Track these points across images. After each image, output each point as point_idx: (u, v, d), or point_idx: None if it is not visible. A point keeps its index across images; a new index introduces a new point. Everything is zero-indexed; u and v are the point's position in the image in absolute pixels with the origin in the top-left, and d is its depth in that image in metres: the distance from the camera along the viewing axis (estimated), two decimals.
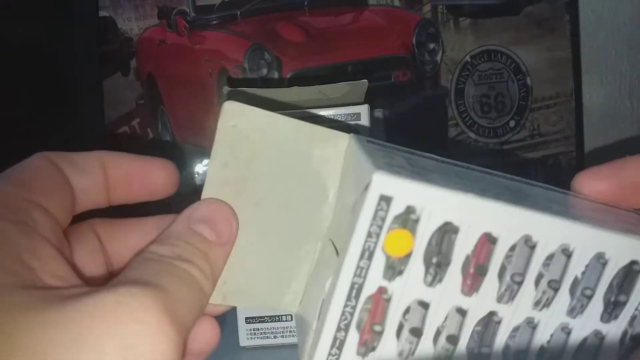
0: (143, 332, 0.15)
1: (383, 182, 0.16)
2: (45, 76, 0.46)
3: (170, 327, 0.16)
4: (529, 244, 0.18)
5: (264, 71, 0.47)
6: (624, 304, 0.18)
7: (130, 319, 0.15)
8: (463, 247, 0.17)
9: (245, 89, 0.32)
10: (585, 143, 0.52)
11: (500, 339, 0.18)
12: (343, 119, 0.30)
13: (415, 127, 0.49)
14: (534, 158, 0.51)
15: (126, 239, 0.22)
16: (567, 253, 0.18)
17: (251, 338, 0.33)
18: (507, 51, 0.50)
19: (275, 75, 0.47)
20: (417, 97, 0.49)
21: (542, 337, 0.18)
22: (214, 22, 0.47)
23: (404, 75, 0.49)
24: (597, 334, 0.19)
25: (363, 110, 0.29)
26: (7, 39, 0.45)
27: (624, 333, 0.19)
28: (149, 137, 0.47)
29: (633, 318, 0.19)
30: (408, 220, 0.17)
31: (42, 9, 0.45)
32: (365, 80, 0.31)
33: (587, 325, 0.19)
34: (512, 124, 0.51)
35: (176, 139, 0.47)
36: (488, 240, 0.17)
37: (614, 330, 0.19)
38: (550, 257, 0.18)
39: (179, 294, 0.17)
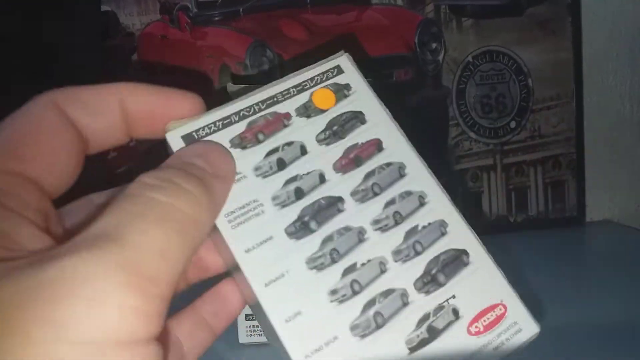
0: (102, 307, 0.13)
1: (349, 61, 0.22)
2: (46, 70, 0.45)
3: (132, 295, 0.13)
4: (401, 172, 0.20)
5: (266, 68, 0.47)
6: (440, 286, 0.19)
7: (86, 297, 0.13)
8: (359, 136, 0.21)
9: (247, 86, 0.32)
10: (585, 145, 0.52)
11: (332, 224, 0.19)
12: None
13: (417, 126, 0.49)
14: (534, 159, 0.51)
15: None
16: (421, 201, 0.20)
17: (250, 335, 0.34)
18: (509, 52, 0.50)
19: (277, 72, 0.47)
20: (419, 96, 0.49)
21: (363, 254, 0.19)
22: (216, 18, 0.47)
23: (406, 74, 0.49)
24: (404, 295, 0.19)
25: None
26: (8, 34, 0.45)
27: (425, 316, 0.19)
28: None
29: (440, 308, 0.19)
30: (341, 90, 0.21)
31: (45, 3, 0.45)
32: (369, 79, 0.30)
33: (401, 277, 0.19)
34: (513, 124, 0.51)
35: None
36: (376, 146, 0.21)
37: (419, 304, 0.19)
38: (408, 194, 0.20)
39: (152, 242, 0.14)
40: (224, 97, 0.22)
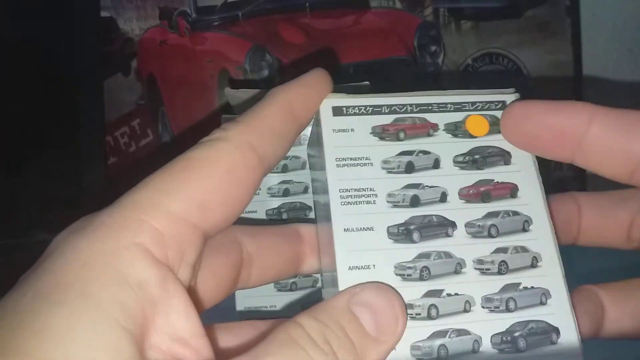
0: None
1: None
2: (46, 76, 0.45)
3: None
4: (525, 227, 0.20)
5: (265, 72, 0.47)
6: (517, 351, 0.18)
7: None
8: (497, 174, 0.20)
9: (248, 90, 0.31)
10: None
11: (434, 244, 0.19)
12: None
13: None
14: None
15: (266, 242, 0.21)
16: (534, 263, 0.19)
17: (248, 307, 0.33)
18: (508, 54, 0.50)
19: (277, 77, 0.47)
20: None
21: (453, 286, 0.19)
22: (216, 23, 0.47)
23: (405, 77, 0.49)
24: (476, 342, 0.18)
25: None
26: (8, 39, 0.45)
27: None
28: (149, 138, 0.47)
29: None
30: (497, 125, 0.21)
31: (44, 9, 0.45)
32: (367, 82, 0.31)
33: (481, 323, 0.18)
34: None
35: (176, 139, 0.47)
36: (511, 191, 0.20)
37: (487, 357, 0.18)
38: (523, 250, 0.19)
39: None
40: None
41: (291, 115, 0.19)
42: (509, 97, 0.21)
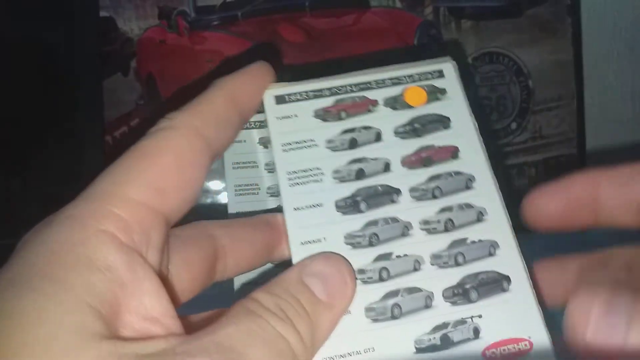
0: None
1: (453, 68, 0.22)
2: (45, 76, 0.45)
3: None
4: (468, 184, 0.20)
5: None
6: (469, 302, 0.19)
7: None
8: (438, 139, 0.21)
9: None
10: (587, 145, 0.52)
11: (381, 211, 0.20)
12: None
13: None
14: (535, 160, 0.51)
15: (239, 235, 0.22)
16: (479, 217, 0.20)
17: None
18: (508, 53, 0.50)
19: None
20: None
21: (401, 248, 0.19)
22: (215, 22, 0.47)
23: None
24: (428, 298, 0.19)
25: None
26: (7, 39, 0.45)
27: (444, 325, 0.18)
28: None
29: (461, 322, 0.18)
30: (434, 93, 0.22)
31: (43, 8, 0.45)
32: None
33: (432, 280, 0.19)
34: (513, 126, 0.50)
35: None
36: (452, 153, 0.21)
37: (441, 311, 0.18)
38: (468, 207, 0.20)
39: None
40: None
41: (233, 101, 0.20)
42: (445, 65, 0.22)
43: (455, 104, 0.22)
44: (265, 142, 0.27)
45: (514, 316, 0.19)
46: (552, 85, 0.51)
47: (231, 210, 0.28)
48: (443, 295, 0.19)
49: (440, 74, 0.22)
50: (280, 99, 0.21)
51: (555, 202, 0.21)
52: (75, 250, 0.15)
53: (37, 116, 0.45)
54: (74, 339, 0.14)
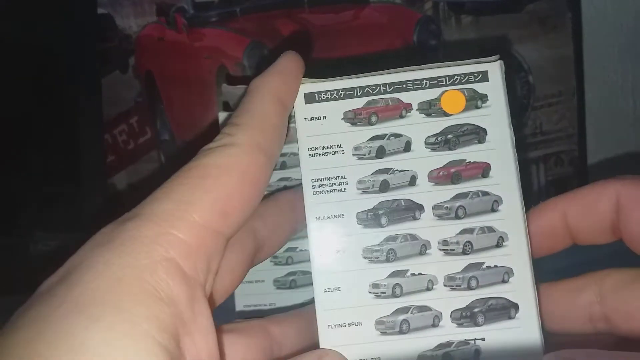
0: None
1: (499, 70, 0.21)
2: (43, 74, 0.45)
3: None
4: (494, 207, 0.20)
5: (263, 68, 0.47)
6: (475, 325, 0.19)
7: None
8: (470, 154, 0.20)
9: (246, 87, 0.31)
10: (587, 141, 0.51)
11: (401, 227, 0.20)
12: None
13: None
14: (536, 157, 0.51)
15: None
16: (499, 243, 0.20)
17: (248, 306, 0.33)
18: (509, 49, 0.50)
19: None
20: None
21: (417, 266, 0.19)
22: (213, 19, 0.47)
23: None
24: (437, 318, 0.19)
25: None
26: (5, 36, 0.44)
27: (447, 344, 0.19)
28: (148, 135, 0.47)
29: (464, 343, 0.19)
30: (474, 100, 0.20)
31: (41, 6, 0.45)
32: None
33: (443, 301, 0.19)
34: (513, 122, 0.50)
35: (175, 136, 0.47)
36: (483, 170, 0.20)
37: (447, 331, 0.19)
38: (489, 230, 0.20)
39: None
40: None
41: (282, 106, 0.19)
42: (491, 66, 0.20)
43: (495, 115, 0.20)
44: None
45: (518, 345, 0.19)
46: (552, 81, 0.51)
47: None
48: (451, 316, 0.19)
49: (484, 77, 0.20)
50: (309, 97, 0.21)
51: (531, 230, 0.21)
52: (141, 278, 0.15)
53: (35, 114, 0.45)
54: None
